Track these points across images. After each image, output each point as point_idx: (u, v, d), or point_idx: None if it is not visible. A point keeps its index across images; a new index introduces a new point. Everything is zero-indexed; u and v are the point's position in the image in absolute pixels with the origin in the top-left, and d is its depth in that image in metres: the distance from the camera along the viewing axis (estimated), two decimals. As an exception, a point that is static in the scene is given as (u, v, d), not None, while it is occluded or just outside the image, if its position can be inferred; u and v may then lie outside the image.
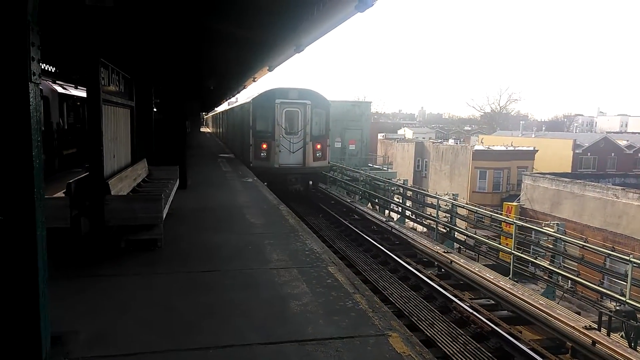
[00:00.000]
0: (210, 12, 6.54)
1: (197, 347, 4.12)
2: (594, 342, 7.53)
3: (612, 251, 10.20)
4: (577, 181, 27.29)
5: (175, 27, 7.42)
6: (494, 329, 8.12)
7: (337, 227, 15.96)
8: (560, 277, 10.96)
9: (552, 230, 11.70)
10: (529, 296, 9.29)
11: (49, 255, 6.16)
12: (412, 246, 13.50)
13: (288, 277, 5.98)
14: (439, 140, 57.13)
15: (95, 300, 5.12)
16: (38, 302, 3.44)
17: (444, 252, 12.27)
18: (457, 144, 48.56)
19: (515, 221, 12.25)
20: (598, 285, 10.00)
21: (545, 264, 11.18)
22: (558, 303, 9.90)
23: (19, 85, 3.35)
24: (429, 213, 16.98)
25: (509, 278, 10.89)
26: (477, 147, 42.07)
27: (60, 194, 6.95)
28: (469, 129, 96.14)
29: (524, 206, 29.74)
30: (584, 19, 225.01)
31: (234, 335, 4.35)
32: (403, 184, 20.49)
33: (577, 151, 45.65)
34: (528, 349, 7.50)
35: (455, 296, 9.67)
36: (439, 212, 15.20)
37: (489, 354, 7.33)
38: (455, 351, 7.32)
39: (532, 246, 12.74)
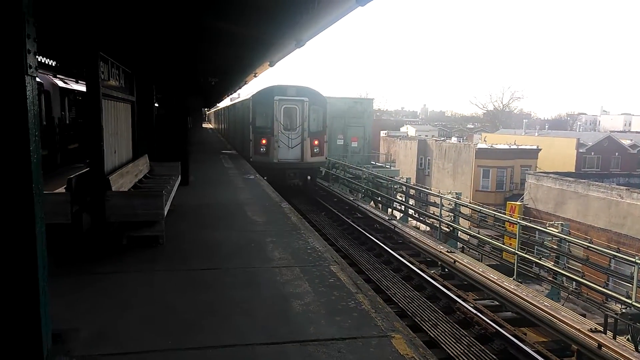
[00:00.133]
0: (210, 7, 6.45)
1: (198, 346, 4.04)
2: (600, 345, 7.44)
3: (617, 252, 10.08)
4: (581, 181, 27.13)
5: (174, 23, 7.33)
6: (499, 330, 8.03)
7: (340, 225, 15.88)
8: (565, 278, 10.84)
9: (557, 231, 11.58)
10: (533, 297, 9.19)
11: (49, 251, 6.11)
12: (415, 245, 13.40)
13: (290, 276, 5.89)
14: (442, 138, 57.00)
15: (96, 297, 5.05)
16: (38, 299, 3.38)
17: (448, 251, 12.17)
18: (460, 142, 48.42)
19: (519, 221, 12.12)
20: (603, 287, 9.88)
21: (549, 264, 11.06)
22: (563, 305, 9.80)
23: (15, 79, 3.27)
24: (432, 212, 16.88)
25: (513, 279, 10.78)
26: (480, 146, 41.88)
27: (62, 190, 6.88)
28: (472, 127, 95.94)
29: (528, 205, 29.60)
30: (587, 17, 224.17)
31: (234, 335, 4.27)
32: (406, 182, 20.37)
33: (580, 150, 45.44)
34: (533, 351, 7.42)
35: (459, 297, 9.59)
36: (442, 211, 15.07)
37: (493, 355, 7.24)
38: (459, 352, 7.24)
39: (536, 246, 12.62)
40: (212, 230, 8.17)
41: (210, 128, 62.50)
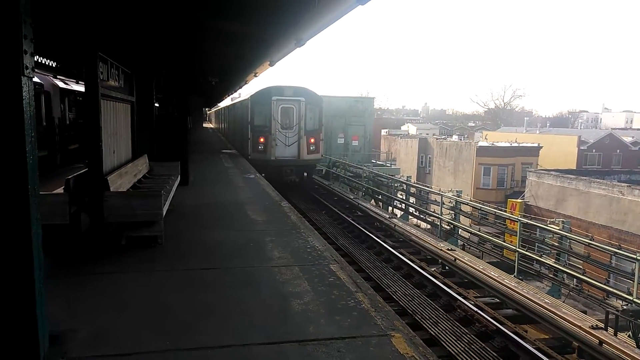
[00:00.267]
0: (210, 6, 6.43)
1: (196, 346, 4.03)
2: (601, 341, 7.41)
3: (618, 249, 10.06)
4: (582, 178, 27.06)
5: (174, 23, 7.31)
6: (499, 327, 8.01)
7: (340, 224, 15.87)
8: (566, 275, 10.82)
9: (558, 228, 11.54)
10: (534, 294, 9.17)
11: (48, 252, 6.09)
12: (415, 243, 13.39)
13: (289, 275, 5.88)
14: (443, 137, 56.94)
15: (95, 298, 5.04)
16: (35, 301, 3.37)
17: (448, 249, 12.15)
18: (461, 140, 48.35)
19: (519, 218, 12.10)
20: (604, 284, 9.86)
21: (550, 261, 11.04)
22: (564, 301, 9.77)
23: (12, 79, 3.25)
24: (432, 210, 16.86)
25: (514, 276, 10.76)
26: (481, 143, 41.81)
27: (60, 190, 6.88)
28: (473, 125, 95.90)
29: (529, 203, 29.56)
30: (589, 14, 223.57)
31: (233, 335, 4.26)
32: (406, 180, 20.36)
33: (582, 148, 45.33)
34: (534, 348, 7.40)
35: (460, 294, 9.58)
36: (443, 209, 15.05)
37: (494, 353, 7.23)
38: (460, 350, 7.22)
39: (537, 244, 12.60)
40: (212, 229, 8.17)
41: (211, 128, 62.49)
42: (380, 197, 20.97)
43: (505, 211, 17.29)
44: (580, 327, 7.82)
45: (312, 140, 20.79)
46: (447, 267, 11.74)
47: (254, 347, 4.06)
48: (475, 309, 8.70)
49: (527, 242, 12.14)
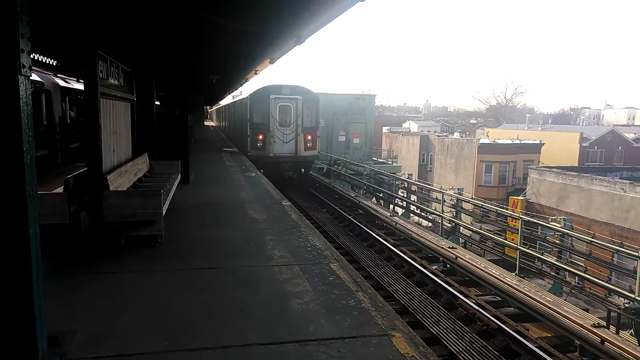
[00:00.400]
0: (208, 4, 6.38)
1: (196, 347, 4.01)
2: (603, 340, 7.38)
3: (620, 247, 10.02)
4: (584, 175, 26.98)
5: (174, 20, 7.27)
6: (501, 326, 7.98)
7: (341, 222, 15.84)
8: (568, 273, 10.79)
9: (559, 226, 11.51)
10: (535, 293, 9.14)
11: (47, 252, 6.08)
12: (416, 241, 13.35)
13: (290, 275, 5.86)
14: (444, 134, 56.88)
15: (94, 298, 5.02)
16: (33, 302, 3.35)
17: (449, 247, 12.12)
18: (462, 137, 48.28)
19: (521, 216, 12.06)
20: (606, 282, 9.82)
21: (552, 259, 11.01)
22: (565, 299, 9.74)
23: (8, 78, 3.23)
24: (433, 208, 16.83)
25: (515, 274, 10.73)
26: (482, 141, 41.74)
27: (60, 190, 6.85)
28: (475, 122, 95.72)
29: (530, 200, 29.48)
30: (591, 10, 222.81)
31: (233, 335, 4.24)
32: (408, 178, 20.32)
33: (583, 144, 45.23)
34: (535, 347, 7.37)
35: (461, 293, 9.54)
36: (444, 207, 15.02)
37: (495, 352, 7.20)
38: (461, 349, 7.20)
39: (538, 241, 12.57)
40: (212, 228, 8.15)
41: (212, 125, 62.45)
42: (381, 195, 20.94)
43: (507, 209, 17.26)
44: (582, 326, 7.79)
45: (309, 137, 21.40)
46: (448, 265, 11.71)
47: (254, 348, 4.04)
48: (477, 308, 8.67)
49: (528, 240, 12.10)
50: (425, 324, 8.07)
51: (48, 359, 3.52)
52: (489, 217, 15.50)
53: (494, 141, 41.68)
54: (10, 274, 3.29)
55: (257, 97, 21.46)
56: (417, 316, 8.36)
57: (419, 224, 17.10)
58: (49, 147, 13.83)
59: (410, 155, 48.33)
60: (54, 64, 13.79)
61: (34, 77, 12.77)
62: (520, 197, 28.40)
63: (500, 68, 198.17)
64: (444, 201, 14.91)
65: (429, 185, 20.22)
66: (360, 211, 17.70)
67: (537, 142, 41.76)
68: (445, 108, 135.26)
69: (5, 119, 3.24)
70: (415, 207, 18.19)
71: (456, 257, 11.37)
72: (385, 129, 65.24)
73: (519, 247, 11.24)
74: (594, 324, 7.79)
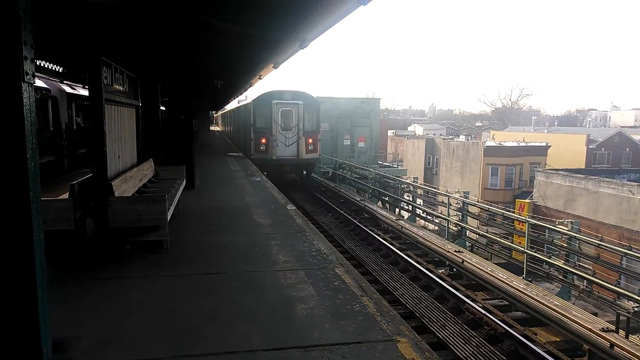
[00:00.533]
0: (212, 10, 6.41)
1: (200, 353, 4.00)
2: (612, 344, 7.29)
3: (629, 250, 9.91)
4: (592, 177, 26.81)
5: (177, 26, 7.30)
6: (508, 330, 7.91)
7: (347, 226, 15.80)
8: (576, 276, 10.69)
9: (566, 229, 11.41)
10: (543, 297, 9.05)
11: (53, 258, 6.09)
12: (422, 245, 13.29)
13: (294, 279, 5.83)
14: (450, 137, 56.74)
15: (99, 304, 5.02)
16: (37, 308, 3.35)
17: (456, 251, 12.05)
18: (468, 140, 48.14)
19: (527, 219, 11.97)
20: (615, 285, 9.72)
21: (559, 263, 10.91)
22: (574, 303, 9.65)
23: (12, 86, 3.24)
24: (439, 211, 16.75)
25: (523, 277, 10.64)
26: (488, 143, 41.62)
27: (66, 196, 6.87)
28: (480, 124, 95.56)
29: (537, 203, 29.32)
30: (597, 12, 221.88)
31: (238, 341, 4.22)
32: (413, 181, 20.27)
33: (590, 146, 44.96)
34: (543, 351, 7.29)
35: (468, 297, 9.48)
36: (450, 210, 14.95)
37: (502, 356, 7.13)
38: (468, 354, 7.13)
39: (546, 245, 12.46)
40: (217, 233, 8.14)
41: (218, 130, 62.64)
42: (387, 198, 20.89)
43: (513, 212, 17.16)
44: (590, 330, 7.70)
45: (310, 140, 22.22)
46: (454, 269, 11.63)
47: (259, 353, 4.02)
48: (484, 312, 8.60)
49: (535, 243, 12.01)
50: (431, 328, 8.01)
51: (52, 365, 3.51)
52: (495, 220, 15.41)
53: (500, 144, 41.55)
54: (15, 281, 3.29)
55: (260, 102, 22.27)
56: (424, 321, 8.30)
57: (425, 227, 17.02)
58: (56, 153, 13.90)
59: (415, 159, 48.23)
60: (61, 71, 13.90)
61: (41, 83, 12.86)
62: (527, 200, 28.26)
63: (505, 70, 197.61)
64: (450, 204, 14.84)
65: (435, 188, 20.15)
66: (365, 215, 17.66)
67: (544, 144, 41.57)
68: (450, 111, 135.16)
69: (9, 125, 3.24)
70: (421, 211, 18.13)
71: (463, 261, 11.30)
72: (390, 133, 65.20)
73: (525, 250, 11.15)
74: (602, 328, 7.70)
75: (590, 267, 10.89)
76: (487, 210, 14.74)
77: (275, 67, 11.15)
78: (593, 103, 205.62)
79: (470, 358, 7.05)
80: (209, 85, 19.00)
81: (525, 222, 11.78)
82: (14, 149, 3.26)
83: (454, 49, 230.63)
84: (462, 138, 52.09)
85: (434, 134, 64.80)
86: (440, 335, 7.74)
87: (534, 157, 39.36)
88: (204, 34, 7.94)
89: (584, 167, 38.91)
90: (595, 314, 8.98)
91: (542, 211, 27.67)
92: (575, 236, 11.05)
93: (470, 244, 14.31)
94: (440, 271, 11.46)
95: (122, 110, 8.44)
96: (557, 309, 8.45)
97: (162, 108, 19.01)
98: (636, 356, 6.93)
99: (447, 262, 11.99)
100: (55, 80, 15.09)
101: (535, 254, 11.12)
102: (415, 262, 11.61)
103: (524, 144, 41.36)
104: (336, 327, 4.52)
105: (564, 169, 31.37)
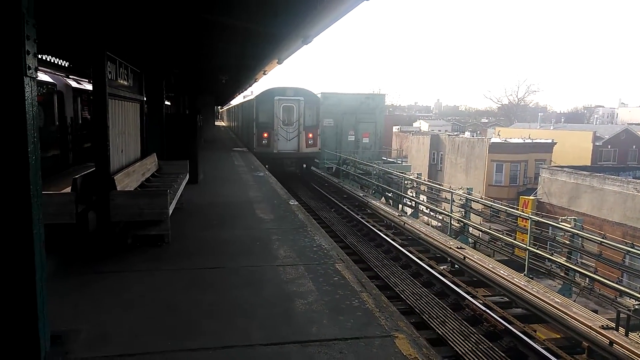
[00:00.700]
0: (216, 6, 6.43)
1: (199, 347, 4.04)
2: (612, 342, 7.29)
3: (632, 247, 9.89)
4: (596, 174, 26.66)
5: (182, 22, 7.32)
6: (508, 327, 7.92)
7: (349, 222, 15.83)
8: (577, 274, 10.67)
9: (569, 226, 11.39)
10: (544, 294, 9.05)
11: (55, 251, 6.16)
12: (425, 241, 13.30)
13: (294, 275, 5.87)
14: (455, 133, 56.50)
15: (99, 297, 5.07)
16: (36, 301, 3.38)
17: (458, 247, 12.06)
18: (473, 136, 47.95)
19: (530, 216, 11.95)
20: (616, 283, 9.70)
21: (561, 260, 10.90)
22: (575, 300, 9.64)
23: (14, 80, 3.27)
24: (443, 207, 16.74)
25: (524, 274, 10.65)
26: (493, 140, 41.44)
27: (68, 190, 6.93)
28: (486, 121, 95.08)
29: (541, 200, 29.22)
30: (605, 7, 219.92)
31: (236, 335, 4.26)
32: (417, 177, 20.25)
33: (597, 143, 44.67)
34: (542, 348, 7.31)
35: (468, 293, 9.49)
36: (454, 207, 14.94)
37: (502, 353, 7.15)
38: (467, 350, 7.15)
39: (548, 242, 12.45)
40: (219, 228, 8.19)
41: (223, 125, 62.73)
42: (390, 194, 20.90)
43: (517, 209, 17.12)
44: (590, 327, 7.71)
45: (310, 135, 23.32)
46: (456, 266, 11.65)
47: (257, 348, 4.06)
48: (484, 308, 8.62)
49: (538, 240, 11.99)
50: (431, 324, 8.03)
51: (50, 358, 3.56)
52: (498, 217, 15.39)
53: (505, 140, 41.35)
54: (14, 274, 3.31)
55: (262, 98, 23.30)
56: (424, 317, 8.32)
57: (427, 224, 17.02)
58: (61, 147, 13.99)
59: (420, 155, 48.12)
60: (66, 65, 13.96)
61: (47, 78, 12.92)
62: (531, 197, 28.17)
63: (512, 66, 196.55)
64: (453, 201, 14.83)
65: (438, 184, 20.12)
66: (368, 211, 17.67)
67: (549, 141, 41.33)
68: (456, 107, 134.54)
69: (11, 120, 3.27)
70: (424, 207, 18.12)
71: (464, 258, 11.31)
72: (395, 129, 65.01)
73: (527, 247, 11.15)
74: (602, 326, 7.70)
75: (593, 265, 10.87)
76: (490, 207, 14.72)
77: (279, 62, 11.14)
78: (600, 100, 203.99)
79: (469, 354, 7.07)
80: (214, 81, 19.03)
81: (528, 219, 11.76)
82: (15, 142, 3.28)
83: (460, 45, 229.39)
84: (467, 134, 51.81)
85: (439, 130, 64.57)
86: (440, 332, 7.76)
87: (539, 154, 39.16)
88: (209, 31, 7.95)
89: (589, 164, 38.69)
90: (596, 312, 8.97)
91: (546, 208, 27.59)
92: (577, 233, 11.03)
93: (473, 241, 14.31)
94: (441, 267, 11.47)
95: (126, 105, 8.48)
96: (557, 306, 8.45)
97: (167, 103, 19.07)
98: (635, 354, 6.93)
99: (449, 259, 12.00)
100: (61, 75, 15.16)
101: (537, 251, 11.11)
102: (417, 258, 11.63)
103: (529, 140, 41.14)
104: (335, 323, 4.55)
105: (569, 166, 31.22)
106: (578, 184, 27.00)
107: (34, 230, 3.38)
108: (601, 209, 24.99)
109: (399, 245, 12.73)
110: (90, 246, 6.55)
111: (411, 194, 19.05)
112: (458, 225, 14.88)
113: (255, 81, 21.32)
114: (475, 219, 15.44)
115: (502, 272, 10.27)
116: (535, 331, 8.23)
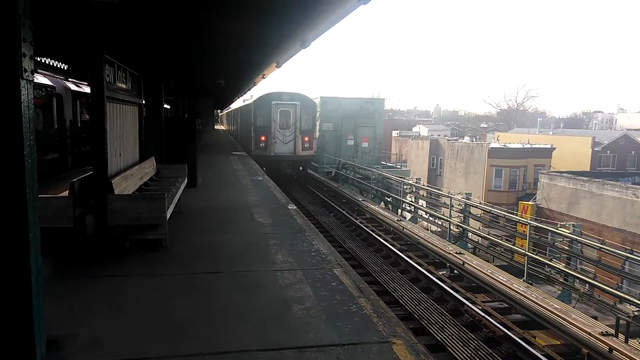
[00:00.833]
0: (214, 9, 6.41)
1: (194, 352, 4.01)
2: (611, 348, 7.25)
3: (631, 253, 9.86)
4: (595, 180, 26.66)
5: (180, 25, 7.31)
6: (507, 333, 7.88)
7: (348, 227, 15.79)
8: (577, 280, 10.64)
9: (568, 232, 11.36)
10: (543, 300, 9.01)
11: (52, 255, 6.12)
12: (423, 246, 13.26)
13: (292, 280, 5.84)
14: (455, 138, 56.58)
15: (95, 301, 5.03)
16: (31, 305, 3.35)
17: (457, 253, 12.02)
18: (472, 141, 48.00)
19: (529, 222, 11.92)
20: (616, 289, 9.67)
21: (560, 266, 10.86)
22: (574, 307, 9.60)
23: (10, 83, 3.25)
24: (442, 213, 16.71)
25: (523, 280, 10.61)
26: (493, 145, 41.44)
27: (66, 193, 6.90)
28: (485, 126, 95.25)
29: (540, 205, 29.21)
30: (603, 13, 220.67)
31: (232, 341, 4.23)
32: (416, 182, 20.22)
33: (596, 149, 44.72)
34: (541, 354, 7.26)
35: (467, 299, 9.44)
36: (453, 212, 14.91)
37: (500, 359, 7.10)
38: (466, 356, 7.11)
39: (548, 247, 12.41)
40: (217, 232, 8.15)
41: (222, 129, 62.74)
42: (389, 199, 20.87)
43: (516, 214, 17.10)
44: (589, 334, 7.66)
45: (307, 138, 24.08)
46: (455, 271, 11.60)
47: (253, 354, 4.03)
48: (483, 314, 8.58)
49: (537, 246, 11.96)
50: (430, 330, 7.99)
51: (46, 362, 3.52)
52: (498, 222, 15.36)
53: (505, 145, 41.35)
54: (9, 278, 3.29)
55: (260, 102, 24.08)
56: (422, 322, 8.28)
57: (426, 229, 16.98)
58: (60, 150, 13.96)
59: (419, 160, 48.13)
60: (66, 68, 13.95)
61: (46, 81, 12.91)
62: (530, 202, 28.14)
63: (511, 72, 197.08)
64: (452, 206, 14.80)
65: (437, 189, 20.11)
66: (367, 215, 17.64)
67: (549, 146, 41.35)
68: (455, 112, 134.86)
69: (7, 123, 3.25)
70: (423, 212, 18.09)
71: (463, 263, 11.27)
72: (395, 133, 65.09)
73: (526, 253, 11.11)
74: (602, 332, 7.66)
75: (592, 271, 10.84)
76: (489, 212, 14.69)
77: (278, 66, 11.13)
78: (599, 105, 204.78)
79: (468, 360, 7.03)
80: (213, 85, 19.04)
81: (527, 225, 11.73)
82: (11, 145, 3.26)
83: (460, 50, 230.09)
84: (466, 139, 51.94)
85: (439, 135, 64.61)
86: (438, 338, 7.72)
87: (539, 159, 39.17)
88: (206, 34, 7.95)
89: (588, 170, 38.72)
90: (596, 318, 8.92)
91: (545, 214, 27.57)
92: (576, 239, 11.00)
93: (472, 246, 14.27)
94: (440, 273, 11.43)
95: (124, 108, 8.47)
96: (556, 312, 8.41)
97: (167, 106, 19.06)
98: (635, 361, 6.89)
99: (448, 264, 11.96)
100: (60, 78, 15.15)
101: (536, 257, 11.08)
102: (416, 263, 11.59)
103: (528, 145, 41.16)
104: (332, 328, 4.52)
105: (568, 172, 31.23)
106: (577, 189, 27.00)
107: (30, 234, 3.35)
108: (600, 215, 24.98)
109: (398, 250, 12.69)
110: (87, 250, 6.52)
111: (410, 199, 19.01)
112: (457, 230, 14.84)
113: (255, 85, 21.31)
114: (474, 224, 15.41)
115: (501, 277, 10.24)
116: (534, 337, 8.19)
